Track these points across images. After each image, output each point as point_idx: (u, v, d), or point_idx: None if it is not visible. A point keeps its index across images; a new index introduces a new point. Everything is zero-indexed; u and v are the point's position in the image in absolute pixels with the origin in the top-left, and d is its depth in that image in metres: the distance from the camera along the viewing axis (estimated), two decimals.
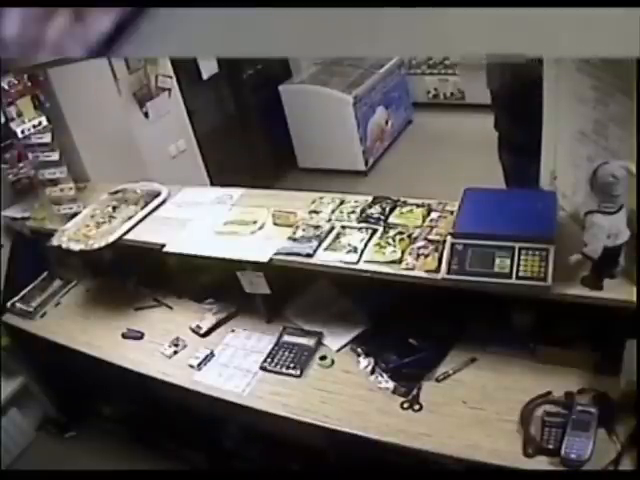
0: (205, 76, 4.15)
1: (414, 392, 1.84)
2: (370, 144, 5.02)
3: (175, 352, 2.24)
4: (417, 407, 1.80)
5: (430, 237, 1.90)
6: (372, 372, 1.95)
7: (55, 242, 2.44)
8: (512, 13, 0.63)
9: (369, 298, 2.15)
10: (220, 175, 4.00)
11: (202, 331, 2.30)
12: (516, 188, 3.23)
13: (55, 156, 2.54)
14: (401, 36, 0.67)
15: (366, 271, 1.89)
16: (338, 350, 2.08)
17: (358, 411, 1.84)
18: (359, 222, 2.08)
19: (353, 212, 2.14)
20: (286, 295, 2.29)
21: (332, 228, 2.08)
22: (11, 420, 2.95)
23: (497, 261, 1.66)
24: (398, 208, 2.10)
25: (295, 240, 2.05)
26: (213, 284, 2.46)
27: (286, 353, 2.09)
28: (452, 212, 1.95)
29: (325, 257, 1.97)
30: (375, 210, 2.11)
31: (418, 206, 2.09)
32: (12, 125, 2.52)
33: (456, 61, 5.49)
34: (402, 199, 2.15)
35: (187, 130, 3.82)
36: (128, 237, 2.37)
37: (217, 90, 4.50)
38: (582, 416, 1.57)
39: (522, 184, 3.07)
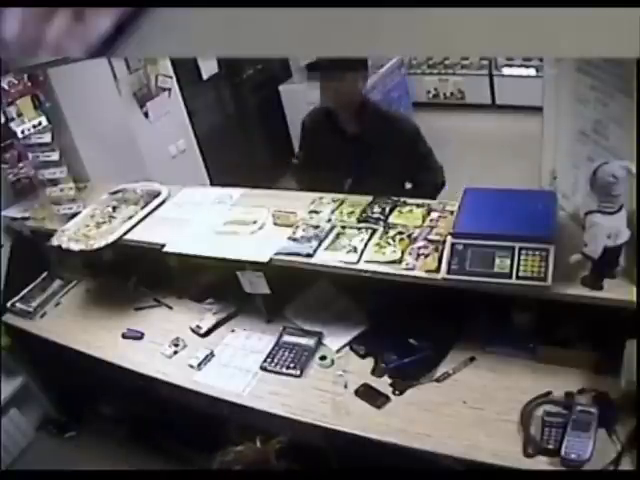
0: (205, 76, 4.15)
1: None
2: None
3: (175, 352, 2.24)
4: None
5: (430, 237, 1.90)
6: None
7: (55, 242, 2.44)
8: (512, 13, 0.63)
9: (369, 298, 2.15)
10: (220, 175, 4.00)
11: (202, 331, 2.30)
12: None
13: (55, 156, 2.54)
14: (401, 36, 0.67)
15: (366, 271, 1.89)
16: (338, 350, 2.08)
17: (358, 411, 1.84)
18: (359, 222, 2.08)
19: (353, 212, 2.14)
20: (286, 295, 2.29)
21: (332, 228, 2.08)
22: (11, 420, 2.94)
23: (497, 261, 1.66)
24: (398, 208, 2.10)
25: (295, 240, 2.05)
26: (213, 284, 2.46)
27: (286, 353, 2.09)
28: (452, 212, 1.95)
29: (325, 257, 1.97)
30: (375, 210, 2.11)
31: (418, 206, 2.09)
32: (12, 125, 2.52)
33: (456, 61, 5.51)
34: (402, 199, 2.16)
35: (187, 130, 3.82)
36: (128, 237, 2.37)
37: (217, 90, 4.49)
38: (582, 416, 1.57)
39: None
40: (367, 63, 2.40)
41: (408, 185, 2.52)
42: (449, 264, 1.71)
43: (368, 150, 2.34)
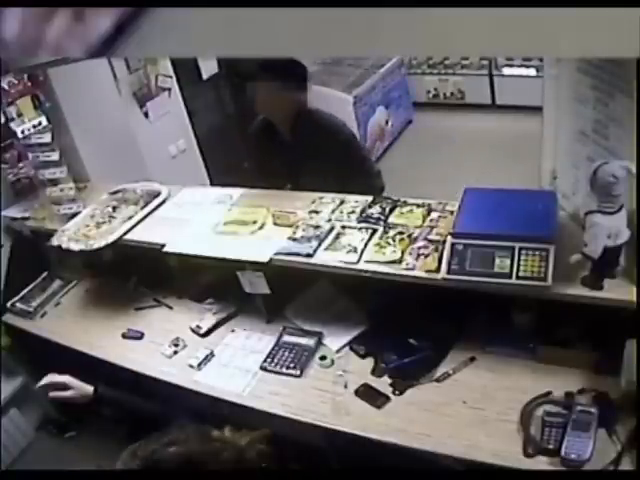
0: (205, 76, 4.15)
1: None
2: (370, 144, 5.02)
3: (175, 352, 2.24)
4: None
5: (430, 237, 1.90)
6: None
7: (55, 242, 2.44)
8: (512, 13, 0.63)
9: (369, 298, 2.15)
10: (220, 175, 4.00)
11: (202, 331, 2.30)
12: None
13: (55, 156, 2.54)
14: (401, 36, 0.67)
15: (366, 271, 1.88)
16: (338, 350, 2.08)
17: (358, 411, 1.84)
18: (359, 222, 2.08)
19: (353, 212, 2.14)
20: (286, 295, 2.29)
21: (332, 228, 2.08)
22: (11, 420, 2.94)
23: (497, 261, 1.66)
24: (398, 208, 2.10)
25: (295, 240, 2.05)
26: (213, 284, 2.46)
27: (286, 353, 2.09)
28: (452, 212, 1.95)
29: (325, 257, 1.97)
30: (375, 210, 2.11)
31: (418, 206, 2.09)
32: (12, 125, 2.53)
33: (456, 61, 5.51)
34: (402, 199, 2.16)
35: (187, 130, 3.82)
36: (128, 237, 2.37)
37: (217, 90, 4.49)
38: (582, 416, 1.57)
39: None
40: (305, 77, 2.48)
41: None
42: (449, 264, 1.71)
43: (305, 157, 2.46)
